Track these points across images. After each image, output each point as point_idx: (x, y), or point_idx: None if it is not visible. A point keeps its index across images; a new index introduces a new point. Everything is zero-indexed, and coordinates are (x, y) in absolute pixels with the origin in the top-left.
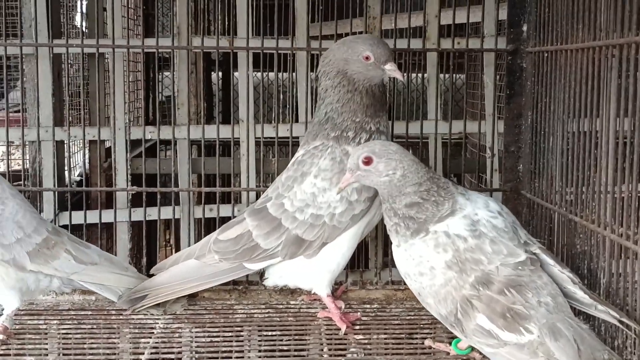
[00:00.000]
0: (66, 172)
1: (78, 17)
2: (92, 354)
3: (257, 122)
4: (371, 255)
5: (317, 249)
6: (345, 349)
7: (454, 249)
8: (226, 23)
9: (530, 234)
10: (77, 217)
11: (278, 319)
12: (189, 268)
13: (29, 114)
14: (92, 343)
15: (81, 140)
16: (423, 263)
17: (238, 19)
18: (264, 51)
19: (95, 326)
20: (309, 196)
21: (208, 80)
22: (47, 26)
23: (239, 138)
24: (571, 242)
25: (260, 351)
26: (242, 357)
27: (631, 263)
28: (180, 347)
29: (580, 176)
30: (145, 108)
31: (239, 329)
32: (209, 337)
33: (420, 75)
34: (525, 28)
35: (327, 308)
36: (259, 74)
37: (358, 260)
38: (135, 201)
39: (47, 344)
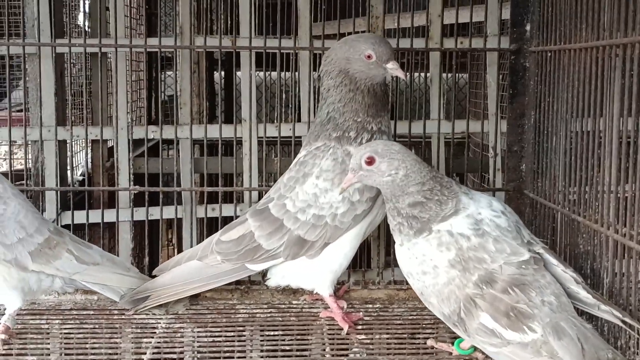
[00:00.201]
0: (68, 172)
1: (81, 17)
2: (94, 354)
3: (260, 121)
4: (373, 255)
5: (319, 250)
6: (347, 349)
7: (457, 248)
8: (229, 22)
9: (533, 233)
10: (80, 217)
11: (280, 319)
12: (192, 269)
13: (32, 113)
14: (94, 343)
15: (83, 140)
16: (426, 262)
17: (241, 19)
18: (267, 51)
19: (97, 326)
20: (311, 197)
21: (211, 80)
22: (50, 26)
23: (241, 137)
24: (574, 242)
25: (262, 351)
26: (245, 357)
27: (634, 263)
28: (183, 347)
29: (583, 176)
30: (147, 107)
31: (241, 328)
32: (211, 337)
33: (422, 74)
34: (528, 27)
35: (329, 308)
36: (261, 74)
37: (360, 260)
38: (138, 201)
39: (49, 343)
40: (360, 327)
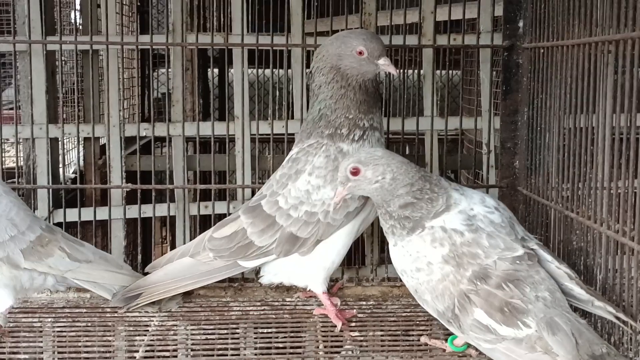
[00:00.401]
0: (60, 170)
1: (73, 14)
2: (86, 352)
3: (253, 118)
4: (367, 252)
5: (311, 247)
6: (341, 346)
7: (450, 243)
8: (221, 20)
9: (526, 230)
10: (72, 215)
11: (274, 316)
12: (184, 266)
13: (23, 111)
14: (86, 341)
15: (76, 138)
16: (420, 258)
17: (233, 16)
18: (259, 48)
19: (89, 324)
20: (303, 194)
21: (204, 78)
22: (41, 23)
23: (234, 135)
24: (567, 239)
25: (255, 348)
26: (238, 355)
27: (627, 259)
28: (176, 345)
29: (576, 172)
30: (140, 105)
31: (234, 326)
32: (204, 334)
33: (416, 71)
34: (521, 24)
35: (322, 305)
36: (254, 71)
37: (354, 257)
38: (130, 198)
39: (41, 342)
40: (353, 324)
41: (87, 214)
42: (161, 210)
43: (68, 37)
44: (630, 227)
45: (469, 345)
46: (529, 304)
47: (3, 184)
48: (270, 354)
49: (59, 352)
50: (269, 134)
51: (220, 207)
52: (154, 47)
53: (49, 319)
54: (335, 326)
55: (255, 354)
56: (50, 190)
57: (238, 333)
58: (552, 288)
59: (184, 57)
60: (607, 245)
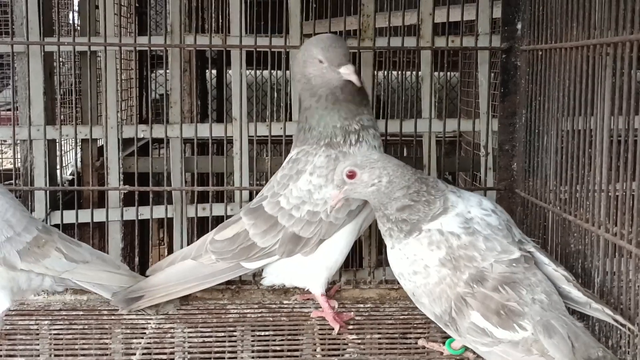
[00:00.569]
0: (58, 171)
1: (71, 15)
2: (83, 355)
3: (251, 120)
4: (365, 254)
5: (314, 246)
6: (338, 349)
7: (447, 246)
8: (220, 21)
9: (524, 232)
10: (69, 217)
11: (271, 319)
12: (186, 268)
13: (21, 112)
14: (83, 343)
15: (73, 139)
16: (417, 261)
17: (231, 17)
18: (257, 49)
19: (86, 326)
20: (305, 193)
21: (202, 79)
22: (39, 24)
23: (232, 136)
24: (565, 241)
25: (253, 351)
26: (235, 358)
27: (625, 262)
28: (173, 348)
29: (574, 175)
30: (138, 107)
31: (231, 329)
32: (201, 337)
33: (414, 73)
34: (519, 26)
35: (320, 308)
36: (253, 73)
37: (352, 260)
38: (128, 200)
39: (38, 344)
40: (351, 326)
41: (84, 215)
42: (159, 212)
43: (66, 38)
44: (628, 230)
45: (466, 349)
46: (525, 306)
47: None
48: (268, 357)
49: (55, 355)
50: (267, 136)
51: (218, 209)
52: (152, 48)
53: (46, 322)
54: (333, 329)
55: (253, 357)
56: (48, 192)
57: (235, 336)
58: (549, 290)
59: (182, 58)
60: (604, 248)
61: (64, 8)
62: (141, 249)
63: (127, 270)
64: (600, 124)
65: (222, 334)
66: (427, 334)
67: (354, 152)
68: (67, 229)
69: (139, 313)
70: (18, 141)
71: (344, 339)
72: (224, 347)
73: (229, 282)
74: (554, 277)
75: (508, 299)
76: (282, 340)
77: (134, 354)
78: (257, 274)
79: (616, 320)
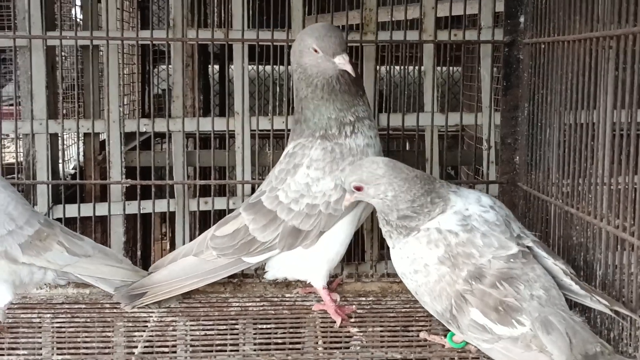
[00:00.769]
0: (60, 165)
1: (73, 9)
2: (85, 348)
3: (253, 114)
4: (367, 248)
5: (314, 239)
6: (340, 342)
7: (445, 244)
8: (222, 16)
9: (526, 226)
10: (71, 210)
11: (273, 312)
12: (188, 265)
13: (23, 106)
14: (85, 337)
15: (75, 133)
16: (417, 260)
17: (233, 11)
18: (260, 43)
19: (89, 320)
20: (303, 186)
21: (205, 74)
22: (41, 18)
23: (234, 131)
24: (567, 234)
25: (255, 344)
26: (237, 350)
27: (627, 255)
28: (175, 341)
29: (576, 168)
30: (141, 101)
31: (233, 322)
32: (203, 330)
33: (416, 68)
34: (522, 19)
35: (322, 301)
36: (255, 67)
37: (354, 253)
38: (130, 194)
39: (40, 337)
40: (353, 320)
41: (86, 209)
42: (161, 206)
43: (68, 32)
44: (631, 223)
45: (467, 342)
46: (523, 302)
47: (1, 178)
48: (270, 350)
49: (58, 348)
50: (269, 130)
51: (220, 203)
52: (154, 42)
53: (48, 315)
54: (335, 322)
55: (254, 350)
56: (50, 185)
57: (237, 329)
58: (547, 286)
59: (184, 52)
60: (607, 240)
61: (67, 2)
62: (143, 243)
63: (130, 264)
64: (602, 117)
65: (224, 327)
66: (429, 326)
67: (351, 142)
68: (69, 222)
69: (141, 306)
70: (20, 135)
71: (346, 332)
72: (226, 340)
73: (231, 276)
74: (554, 270)
75: (506, 295)
76: (284, 333)
77: (136, 347)
78: (259, 268)
79: (617, 313)
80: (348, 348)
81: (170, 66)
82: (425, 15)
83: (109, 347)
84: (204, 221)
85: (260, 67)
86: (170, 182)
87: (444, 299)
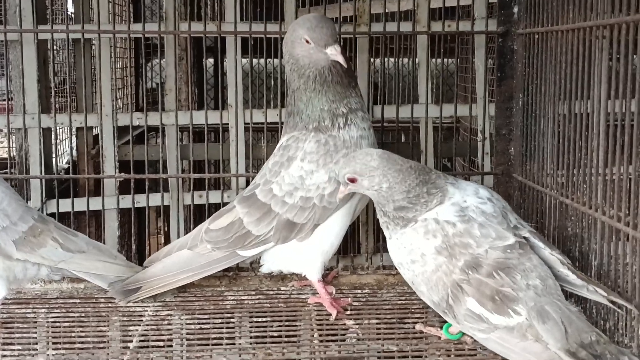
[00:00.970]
0: (53, 160)
1: (65, 3)
2: (80, 342)
3: (247, 107)
4: (362, 240)
5: (309, 231)
6: (336, 334)
7: (443, 235)
8: (215, 9)
9: (521, 217)
10: (65, 205)
11: (268, 305)
12: (183, 259)
13: (15, 101)
14: (80, 331)
15: (68, 128)
16: (414, 250)
17: (226, 4)
18: (252, 35)
19: (83, 314)
20: (297, 179)
21: (200, 67)
22: (32, 12)
23: (228, 124)
24: (563, 225)
25: (250, 337)
26: (233, 344)
27: (622, 245)
28: (170, 334)
29: (571, 158)
30: (135, 95)
31: (229, 315)
32: (198, 323)
33: (411, 60)
34: (516, 10)
35: (317, 294)
36: (249, 61)
37: (349, 245)
38: (124, 189)
39: (35, 332)
40: (349, 312)
41: (80, 204)
42: (155, 200)
43: (59, 25)
44: (625, 213)
45: (463, 333)
46: (519, 291)
47: None
48: (265, 343)
49: (53, 343)
50: (263, 123)
51: (215, 197)
52: (146, 35)
53: (43, 310)
54: (330, 315)
55: (250, 343)
56: (43, 180)
57: (233, 322)
58: (543, 275)
59: (176, 45)
60: (602, 230)
61: None
62: (138, 238)
63: (124, 260)
64: (597, 107)
65: (220, 320)
66: (425, 318)
67: (344, 134)
68: (63, 217)
69: (136, 300)
70: (13, 130)
71: (342, 325)
72: (222, 333)
73: (226, 269)
74: (550, 260)
75: (502, 285)
76: (279, 326)
77: (131, 341)
78: (255, 261)
79: (613, 303)
80: (344, 340)
81: (163, 60)
82: (418, 7)
83: (104, 342)
84: (199, 214)
85: (255, 61)
86: (164, 176)
87: (441, 288)
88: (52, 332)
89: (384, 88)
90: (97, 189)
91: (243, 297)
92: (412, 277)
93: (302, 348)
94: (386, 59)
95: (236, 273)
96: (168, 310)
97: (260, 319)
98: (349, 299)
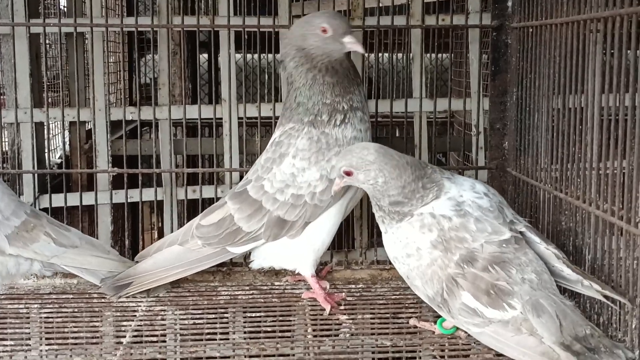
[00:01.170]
0: (46, 154)
1: None
2: (74, 338)
3: (240, 101)
4: (356, 235)
5: (300, 229)
6: (330, 329)
7: (439, 229)
8: (209, 3)
9: (515, 211)
10: (58, 200)
11: (262, 300)
12: (173, 254)
13: (7, 95)
14: (73, 327)
15: (61, 122)
16: (410, 244)
17: None
18: (246, 29)
19: (76, 310)
20: (289, 177)
21: (194, 62)
22: (24, 5)
23: (221, 118)
24: (557, 219)
25: (244, 332)
26: (227, 339)
27: (616, 239)
28: (164, 330)
29: (565, 153)
30: (129, 90)
31: (223, 310)
32: (192, 319)
33: (405, 55)
34: (510, 3)
35: (311, 289)
36: (245, 55)
37: (343, 241)
38: (117, 183)
39: (28, 328)
40: (343, 307)
41: (73, 199)
42: (149, 195)
43: (52, 19)
44: (619, 207)
45: (457, 328)
46: (514, 285)
47: None
48: (259, 338)
49: (46, 338)
50: (257, 117)
51: (208, 192)
52: (139, 29)
53: (36, 305)
54: (324, 309)
55: (244, 338)
56: (36, 175)
57: (227, 317)
58: (539, 270)
59: (169, 39)
60: (596, 225)
61: None
62: (132, 233)
63: (117, 255)
64: (591, 101)
65: (214, 315)
66: (419, 313)
67: (338, 133)
68: (56, 212)
69: (128, 295)
70: (5, 124)
71: (336, 320)
72: (216, 328)
73: (219, 265)
74: (545, 255)
75: (498, 279)
76: (273, 321)
77: (125, 337)
78: (248, 256)
79: (607, 297)
80: (338, 335)
81: (156, 54)
82: (412, 0)
83: (97, 337)
84: (193, 209)
85: (249, 56)
86: (157, 171)
87: (436, 282)
88: (45, 327)
89: (378, 83)
90: (90, 184)
91: (237, 292)
92: (407, 271)
93: (296, 343)
94: (380, 54)
95: (230, 268)
96: (161, 305)
97: (254, 314)
98: (343, 294)
